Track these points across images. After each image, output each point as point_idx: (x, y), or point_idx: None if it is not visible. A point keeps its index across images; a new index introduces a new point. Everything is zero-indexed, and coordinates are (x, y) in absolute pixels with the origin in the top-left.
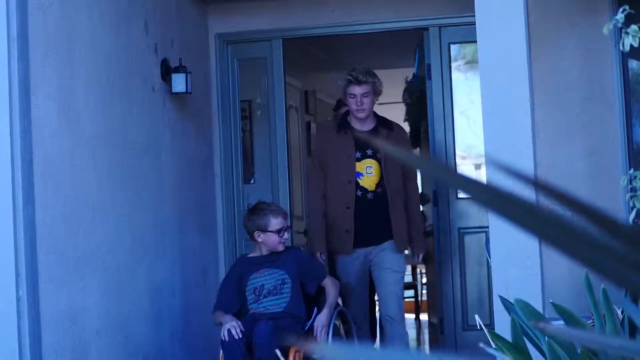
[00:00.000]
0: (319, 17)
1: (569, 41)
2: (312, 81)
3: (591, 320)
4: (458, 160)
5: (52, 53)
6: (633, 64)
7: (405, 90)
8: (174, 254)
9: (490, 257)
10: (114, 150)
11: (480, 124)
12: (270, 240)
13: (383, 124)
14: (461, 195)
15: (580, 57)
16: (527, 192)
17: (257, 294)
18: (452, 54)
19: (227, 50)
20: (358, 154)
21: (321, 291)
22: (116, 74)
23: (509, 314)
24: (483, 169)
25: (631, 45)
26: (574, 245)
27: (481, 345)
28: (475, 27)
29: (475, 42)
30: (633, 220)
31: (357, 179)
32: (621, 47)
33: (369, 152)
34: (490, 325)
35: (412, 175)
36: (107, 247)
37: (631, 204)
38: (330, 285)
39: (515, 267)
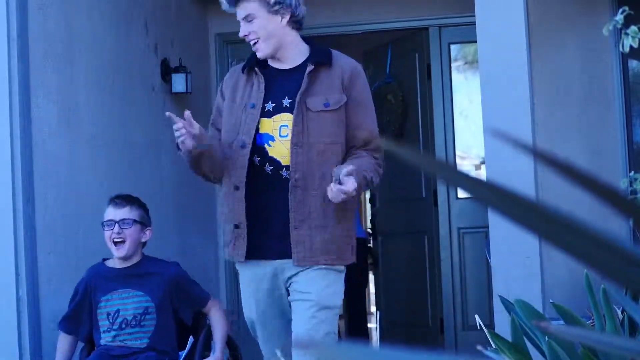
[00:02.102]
0: (319, 17)
1: (569, 41)
2: None
3: (591, 320)
4: (457, 161)
5: (52, 53)
6: (633, 64)
7: (376, 91)
8: (174, 254)
9: (490, 257)
10: (114, 150)
11: (480, 124)
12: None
13: (318, 55)
14: (461, 195)
15: (580, 57)
16: (526, 191)
17: (111, 321)
18: (452, 54)
19: (227, 50)
20: (269, 106)
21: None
22: (116, 74)
23: (509, 314)
24: (483, 169)
25: (631, 46)
26: (574, 243)
27: (479, 347)
28: (475, 27)
29: (475, 42)
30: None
31: (265, 145)
32: (621, 48)
33: (287, 101)
34: (490, 325)
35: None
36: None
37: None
38: (215, 314)
39: (515, 267)
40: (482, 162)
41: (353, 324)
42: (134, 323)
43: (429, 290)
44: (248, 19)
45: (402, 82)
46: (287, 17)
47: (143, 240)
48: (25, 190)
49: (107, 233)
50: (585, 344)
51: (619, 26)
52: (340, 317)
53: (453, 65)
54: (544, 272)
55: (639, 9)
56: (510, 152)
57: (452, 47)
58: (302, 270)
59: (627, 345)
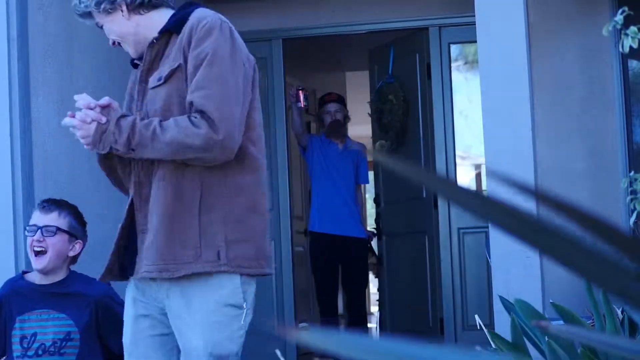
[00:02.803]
0: (319, 17)
1: (569, 41)
2: (312, 81)
3: (591, 320)
4: (457, 161)
5: (52, 53)
6: (633, 64)
7: (379, 91)
8: None
9: (490, 257)
10: None
11: (480, 124)
12: None
13: (168, 24)
14: None
15: (580, 57)
16: (525, 204)
17: (25, 346)
18: (452, 54)
19: None
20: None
21: None
22: (116, 74)
23: (509, 314)
24: (483, 170)
25: (631, 46)
26: (574, 257)
27: (477, 348)
28: (475, 27)
29: (475, 42)
30: (634, 222)
31: None
32: (620, 49)
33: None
34: (490, 325)
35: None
36: (107, 248)
37: (632, 207)
38: None
39: (515, 267)
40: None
41: (353, 324)
42: (53, 350)
43: (429, 290)
44: (100, 27)
45: (404, 82)
46: (125, 8)
47: (71, 254)
48: (25, 191)
49: (28, 240)
50: (585, 344)
51: (618, 26)
52: (341, 317)
53: (453, 65)
54: (544, 272)
55: (638, 9)
56: (510, 152)
57: (452, 47)
58: None
59: (627, 345)
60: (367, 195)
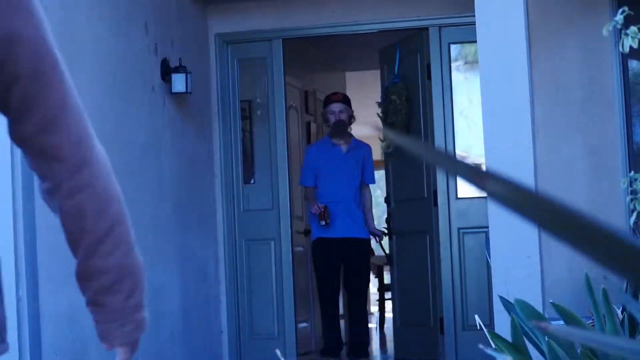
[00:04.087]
0: (319, 17)
1: (569, 41)
2: (312, 81)
3: (591, 320)
4: None
5: None
6: (633, 64)
7: (385, 92)
8: (174, 254)
9: (490, 257)
10: (114, 150)
11: (480, 124)
12: None
13: None
14: (461, 195)
15: (580, 57)
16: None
17: None
18: (452, 54)
19: (227, 50)
20: None
21: None
22: (116, 74)
23: (509, 314)
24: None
25: (630, 46)
26: (574, 234)
27: (480, 346)
28: (475, 27)
29: (475, 42)
30: (634, 222)
31: None
32: (620, 49)
33: None
34: (490, 325)
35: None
36: None
37: (631, 207)
38: None
39: (515, 267)
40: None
41: (354, 324)
42: None
43: (430, 289)
44: None
45: (407, 83)
46: None
47: None
48: (25, 190)
49: None
50: (585, 344)
51: (618, 26)
52: (341, 317)
53: (453, 65)
54: (544, 272)
55: (638, 10)
56: (510, 153)
57: (452, 47)
58: None
59: (627, 345)
60: (378, 192)
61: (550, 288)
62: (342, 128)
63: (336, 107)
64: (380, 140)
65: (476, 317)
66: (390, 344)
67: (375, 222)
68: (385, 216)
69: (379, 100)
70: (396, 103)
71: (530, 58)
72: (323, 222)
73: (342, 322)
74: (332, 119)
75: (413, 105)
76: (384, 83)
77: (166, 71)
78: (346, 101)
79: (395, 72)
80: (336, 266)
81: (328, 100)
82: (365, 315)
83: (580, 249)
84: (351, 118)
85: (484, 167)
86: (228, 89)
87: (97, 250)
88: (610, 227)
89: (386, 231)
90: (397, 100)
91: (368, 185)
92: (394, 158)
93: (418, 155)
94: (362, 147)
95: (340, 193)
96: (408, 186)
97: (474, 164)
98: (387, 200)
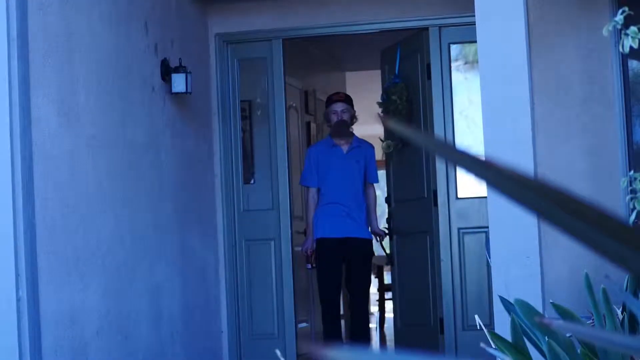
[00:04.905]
0: (319, 17)
1: (569, 41)
2: (312, 81)
3: (591, 320)
4: None
5: (52, 53)
6: (633, 64)
7: (386, 92)
8: (174, 254)
9: (490, 257)
10: (114, 150)
11: (480, 124)
12: None
13: None
14: (461, 195)
15: (580, 57)
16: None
17: None
18: (452, 54)
19: (227, 50)
20: None
21: None
22: (116, 74)
23: (509, 314)
24: None
25: (631, 46)
26: (574, 222)
27: (482, 345)
28: (475, 27)
29: (475, 42)
30: (633, 221)
31: None
32: (620, 49)
33: None
34: (490, 325)
35: None
36: (107, 247)
37: (631, 206)
38: None
39: (515, 267)
40: None
41: (355, 325)
42: None
43: (430, 289)
44: None
45: (408, 83)
46: None
47: None
48: (25, 190)
49: None
50: (585, 343)
51: (619, 26)
52: (341, 317)
53: (453, 65)
54: (544, 272)
55: (638, 10)
56: (510, 152)
57: (452, 47)
58: None
59: (629, 342)
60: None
61: (550, 288)
62: (343, 128)
63: (339, 106)
64: (381, 140)
65: (476, 317)
66: (390, 344)
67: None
68: (386, 216)
69: (379, 100)
70: (397, 103)
71: (530, 58)
72: (309, 266)
73: (342, 322)
74: (334, 118)
75: (413, 106)
76: (385, 83)
77: (166, 71)
78: (348, 101)
79: (396, 72)
80: (337, 266)
81: (330, 100)
82: (367, 315)
83: (578, 238)
84: (353, 118)
85: (484, 157)
86: (228, 89)
87: None
88: (609, 211)
89: (387, 231)
90: (398, 100)
91: (372, 185)
92: (395, 158)
93: (420, 145)
94: (364, 146)
95: (341, 193)
96: (408, 186)
97: (474, 153)
98: (387, 200)
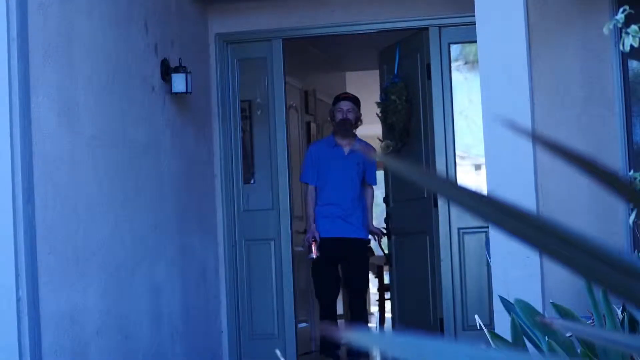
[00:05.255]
0: (319, 17)
1: (569, 41)
2: (312, 81)
3: (591, 321)
4: (457, 161)
5: (52, 53)
6: (633, 64)
7: (385, 91)
8: (174, 254)
9: (490, 257)
10: (114, 150)
11: (480, 123)
12: None
13: None
14: None
15: (580, 57)
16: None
17: None
18: (452, 54)
19: (227, 50)
20: None
21: None
22: (116, 74)
23: (509, 314)
24: (483, 170)
25: (631, 46)
26: (575, 259)
27: (483, 345)
28: (475, 27)
29: (475, 42)
30: (633, 221)
31: None
32: (621, 48)
33: None
34: (490, 325)
35: None
36: (107, 247)
37: (631, 205)
38: None
39: (515, 267)
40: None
41: (354, 323)
42: None
43: (430, 289)
44: None
45: (407, 83)
46: None
47: None
48: (25, 190)
49: None
50: (586, 343)
51: (619, 25)
52: (340, 317)
53: (453, 65)
54: (544, 272)
55: (639, 8)
56: (510, 152)
57: (452, 47)
58: None
59: (630, 341)
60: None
61: (550, 288)
62: (347, 127)
63: (345, 105)
64: (380, 140)
65: (476, 317)
66: None
67: (376, 222)
68: (385, 216)
69: (379, 100)
70: (396, 103)
71: (530, 58)
72: (312, 255)
73: (341, 322)
74: (339, 116)
75: (413, 105)
76: (383, 83)
77: (166, 71)
78: (356, 102)
79: (395, 72)
80: (333, 267)
81: (338, 98)
82: (365, 315)
83: (580, 273)
84: (358, 120)
85: (485, 193)
86: (228, 89)
87: None
88: (612, 250)
89: (385, 231)
90: (397, 100)
91: (371, 186)
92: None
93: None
94: (365, 148)
95: (340, 194)
96: (407, 186)
97: (474, 190)
98: (386, 200)
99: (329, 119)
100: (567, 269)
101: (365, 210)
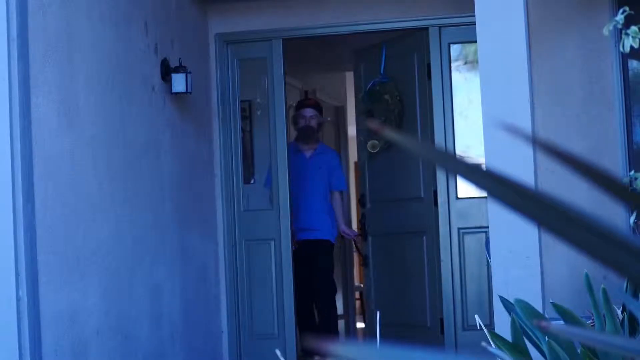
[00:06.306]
0: (319, 17)
1: (569, 41)
2: (312, 81)
3: (591, 320)
4: None
5: (52, 53)
6: (633, 64)
7: (372, 91)
8: (174, 254)
9: (490, 257)
10: (114, 150)
11: (479, 124)
12: None
13: None
14: (461, 195)
15: (580, 57)
16: (526, 179)
17: None
18: (452, 54)
19: (227, 50)
20: None
21: None
22: (116, 74)
23: (509, 314)
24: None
25: (631, 46)
26: (574, 232)
27: (483, 344)
28: (475, 27)
29: (475, 42)
30: (633, 222)
31: None
32: (621, 48)
33: None
34: (490, 325)
35: None
36: (107, 247)
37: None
38: None
39: (515, 267)
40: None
41: (321, 328)
42: None
43: (428, 290)
44: None
45: (400, 82)
46: None
47: None
48: (25, 190)
49: None
50: (586, 344)
51: (619, 26)
52: (340, 317)
53: (453, 65)
54: (544, 272)
55: (639, 9)
56: (510, 152)
57: (452, 47)
58: None
59: (628, 345)
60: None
61: (550, 288)
62: (309, 134)
63: (308, 112)
64: (364, 140)
65: (476, 317)
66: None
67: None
68: (359, 217)
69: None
70: (388, 102)
71: (530, 58)
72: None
73: (342, 323)
74: (302, 123)
75: (410, 106)
76: (360, 83)
77: (166, 71)
78: (317, 108)
79: (381, 71)
80: (302, 268)
81: (300, 105)
82: (330, 315)
83: (579, 246)
84: (320, 125)
85: (483, 166)
86: (228, 89)
87: None
88: (609, 224)
89: (359, 232)
90: (390, 99)
91: (340, 192)
92: (380, 157)
93: (417, 154)
94: (327, 153)
95: (302, 197)
96: (396, 187)
97: (472, 162)
98: (361, 201)
99: (292, 124)
100: (565, 243)
101: (332, 213)
